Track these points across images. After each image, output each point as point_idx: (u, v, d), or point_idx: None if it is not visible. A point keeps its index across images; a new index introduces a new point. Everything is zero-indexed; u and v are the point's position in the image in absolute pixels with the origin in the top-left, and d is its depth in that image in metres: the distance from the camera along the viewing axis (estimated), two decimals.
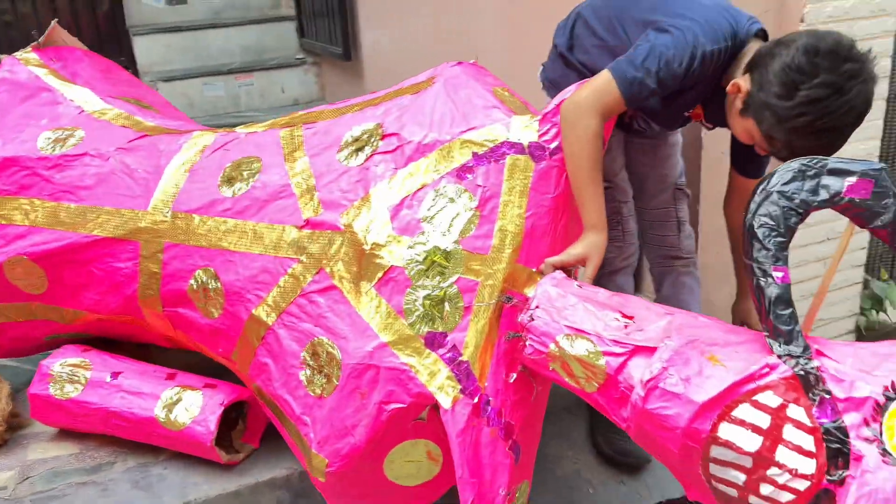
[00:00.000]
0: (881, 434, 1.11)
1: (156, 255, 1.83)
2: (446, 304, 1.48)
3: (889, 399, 1.13)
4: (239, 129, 1.95)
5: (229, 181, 1.79)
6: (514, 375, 1.52)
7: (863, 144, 2.27)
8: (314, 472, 1.55)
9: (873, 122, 2.27)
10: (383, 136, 1.63)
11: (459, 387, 1.45)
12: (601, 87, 1.50)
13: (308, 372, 1.57)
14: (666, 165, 1.88)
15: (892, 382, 1.14)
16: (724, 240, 1.87)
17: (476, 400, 1.46)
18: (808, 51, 1.34)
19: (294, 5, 5.04)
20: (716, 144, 2.13)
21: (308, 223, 1.63)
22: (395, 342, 1.48)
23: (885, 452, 1.10)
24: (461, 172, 1.54)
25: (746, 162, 1.71)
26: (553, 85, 1.82)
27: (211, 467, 1.87)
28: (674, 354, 1.24)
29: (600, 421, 2.03)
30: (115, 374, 1.93)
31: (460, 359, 1.47)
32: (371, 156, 1.63)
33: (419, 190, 1.55)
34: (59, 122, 2.08)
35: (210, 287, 1.75)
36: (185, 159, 1.91)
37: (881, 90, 2.28)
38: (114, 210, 1.90)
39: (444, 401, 1.43)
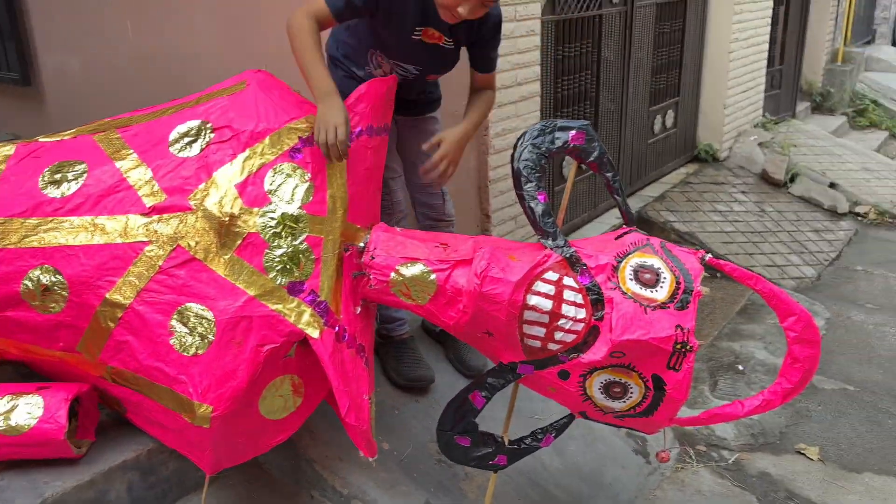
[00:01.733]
0: (618, 283, 1.81)
1: None
2: (300, 257, 1.85)
3: (618, 262, 1.84)
4: (41, 139, 2.03)
5: (54, 183, 1.90)
6: (359, 308, 1.95)
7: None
8: (198, 422, 1.78)
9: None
10: (215, 129, 1.92)
11: (322, 321, 1.84)
12: (309, 1, 2.01)
13: (179, 337, 1.79)
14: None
15: (617, 253, 1.86)
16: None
17: (336, 329, 1.86)
18: None
19: None
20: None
21: (154, 209, 1.85)
22: (261, 295, 1.81)
23: (623, 293, 1.80)
24: (292, 153, 1.92)
25: (478, 61, 2.28)
26: None
27: (55, 466, 1.93)
28: (490, 256, 1.81)
29: (389, 359, 2.52)
30: None
31: (319, 299, 1.86)
32: (208, 146, 1.91)
33: (259, 169, 1.89)
34: None
35: (49, 283, 1.84)
36: None
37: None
38: None
39: (314, 333, 1.81)
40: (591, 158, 1.96)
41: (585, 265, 1.84)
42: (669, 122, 5.24)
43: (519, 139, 1.92)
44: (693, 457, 2.78)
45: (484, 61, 2.30)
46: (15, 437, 1.86)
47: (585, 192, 4.27)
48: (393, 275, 1.88)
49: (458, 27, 2.15)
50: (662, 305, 1.78)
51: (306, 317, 1.82)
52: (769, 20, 5.95)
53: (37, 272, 1.85)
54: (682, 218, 4.72)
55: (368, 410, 1.93)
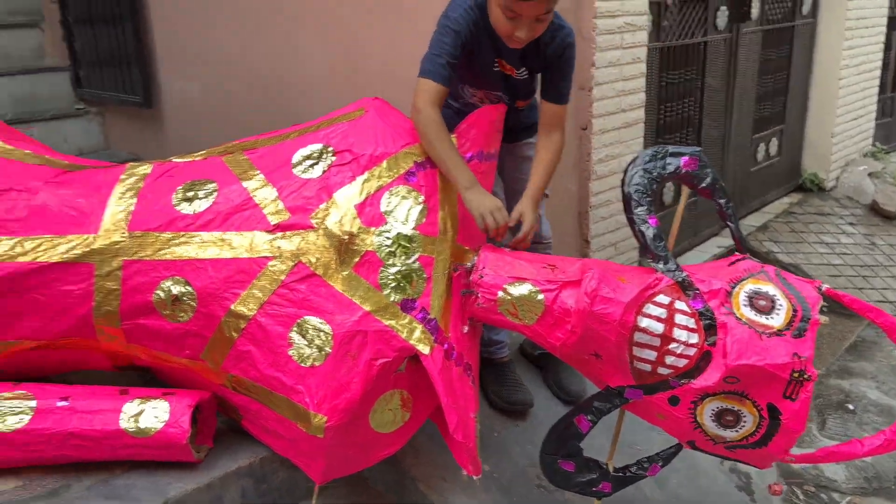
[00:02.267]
0: (732, 309, 1.79)
1: (114, 273, 1.99)
2: (413, 275, 1.92)
3: (732, 288, 1.82)
4: (174, 159, 2.19)
5: (187, 200, 2.04)
6: (467, 327, 2.00)
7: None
8: (313, 431, 1.86)
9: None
10: (336, 153, 2.03)
11: (433, 338, 1.89)
12: (418, 87, 2.05)
13: (298, 349, 1.88)
14: (525, 171, 2.46)
15: (730, 279, 1.83)
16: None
17: (446, 346, 1.91)
18: None
19: (68, 56, 4.96)
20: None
21: (278, 226, 1.96)
22: (376, 310, 1.88)
23: (737, 319, 1.78)
24: (407, 176, 2.01)
25: (547, 89, 2.24)
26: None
27: (176, 468, 2.04)
28: (600, 276, 1.84)
29: (489, 382, 2.55)
30: (64, 398, 2.02)
31: (429, 317, 1.92)
32: (329, 168, 2.01)
33: (377, 191, 1.98)
34: None
35: (179, 293, 1.97)
36: (127, 187, 2.10)
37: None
38: (59, 237, 2.02)
39: (424, 349, 1.86)
40: (704, 185, 1.95)
41: (698, 290, 1.83)
42: (773, 150, 5.10)
43: (629, 164, 1.94)
44: (801, 497, 2.68)
45: (551, 90, 2.24)
46: (142, 438, 1.98)
47: (686, 220, 4.20)
48: (501, 294, 1.92)
49: (528, 56, 2.18)
50: (778, 333, 1.75)
51: (417, 333, 1.88)
52: (882, 45, 5.73)
53: (168, 283, 1.98)
54: (785, 249, 4.58)
55: (475, 429, 1.96)
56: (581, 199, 3.14)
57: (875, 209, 5.28)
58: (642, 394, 1.87)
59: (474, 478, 1.94)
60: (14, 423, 1.97)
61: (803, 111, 5.33)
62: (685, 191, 2.03)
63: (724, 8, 4.15)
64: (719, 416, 1.82)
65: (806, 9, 5.04)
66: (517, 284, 1.91)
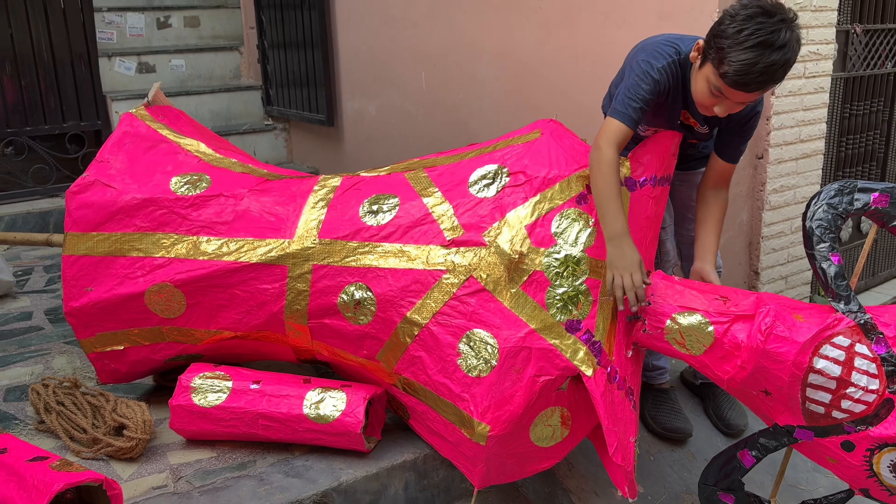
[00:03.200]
0: None
1: (304, 275, 2.21)
2: (580, 297, 1.98)
3: None
4: (362, 173, 2.39)
5: (372, 213, 2.22)
6: (631, 352, 2.03)
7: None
8: (476, 438, 1.96)
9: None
10: (511, 174, 2.13)
11: (596, 360, 1.94)
12: (605, 126, 2.07)
13: (465, 359, 1.99)
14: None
15: None
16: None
17: (609, 370, 1.95)
18: (740, 3, 1.90)
19: (261, 77, 5.47)
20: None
21: (453, 242, 2.09)
22: (541, 329, 1.96)
23: None
24: (579, 199, 2.07)
25: (724, 147, 2.23)
26: None
27: (348, 455, 2.22)
28: (775, 313, 1.81)
29: (647, 407, 2.56)
30: (256, 382, 2.25)
31: (594, 339, 1.97)
32: (503, 188, 2.12)
33: (548, 213, 2.05)
34: (183, 168, 2.43)
35: (361, 298, 2.15)
36: (319, 198, 2.32)
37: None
38: (258, 240, 2.27)
39: (587, 371, 1.92)
40: (894, 223, 1.88)
41: (882, 334, 1.76)
42: None
43: (813, 198, 1.89)
44: None
45: (727, 150, 2.24)
46: (321, 424, 2.17)
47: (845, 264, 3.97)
48: (669, 322, 1.94)
49: (713, 117, 2.15)
50: None
51: (581, 354, 1.93)
52: None
53: (352, 288, 2.16)
54: None
55: (633, 453, 1.99)
56: (753, 229, 3.07)
57: None
58: (813, 436, 1.83)
59: (629, 500, 1.96)
60: (214, 399, 2.23)
61: None
62: (874, 228, 1.95)
63: None
64: None
65: None
66: (686, 314, 1.92)
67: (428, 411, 2.13)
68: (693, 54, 2.02)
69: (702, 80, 1.97)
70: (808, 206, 1.89)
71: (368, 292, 2.14)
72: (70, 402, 2.37)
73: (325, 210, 2.28)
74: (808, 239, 1.87)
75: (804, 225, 1.88)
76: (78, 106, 4.91)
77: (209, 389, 2.24)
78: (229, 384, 2.25)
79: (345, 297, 2.17)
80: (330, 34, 4.67)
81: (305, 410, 2.18)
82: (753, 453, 1.92)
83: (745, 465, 1.93)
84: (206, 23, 5.82)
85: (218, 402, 2.22)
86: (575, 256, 2.00)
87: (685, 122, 2.24)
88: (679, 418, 2.50)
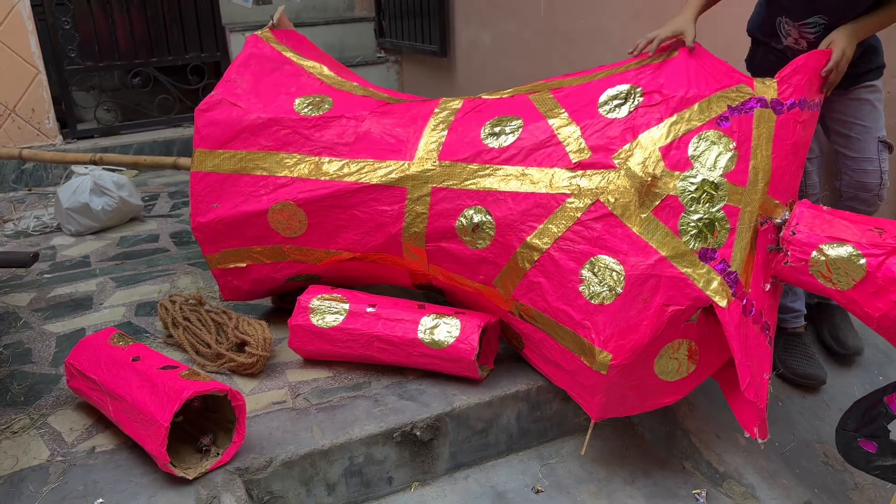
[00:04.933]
0: None
1: (423, 198, 2.17)
2: (716, 224, 1.85)
3: None
4: (483, 96, 2.30)
5: (494, 135, 2.14)
6: (769, 285, 1.89)
7: None
8: (596, 367, 1.89)
9: None
10: (644, 93, 1.99)
11: (731, 291, 1.81)
12: None
13: (588, 285, 1.91)
14: (867, 118, 2.20)
15: None
16: None
17: (745, 302, 1.82)
18: None
19: (374, 7, 5.41)
20: None
21: (580, 164, 1.98)
22: (672, 256, 1.84)
23: None
24: (719, 121, 1.91)
25: None
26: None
27: (461, 382, 2.20)
28: None
29: (778, 350, 2.40)
30: (372, 305, 2.25)
31: (729, 269, 1.83)
32: (636, 108, 1.98)
33: (685, 135, 1.91)
34: (307, 90, 2.42)
35: (479, 222, 2.09)
36: (440, 120, 2.26)
37: None
38: (379, 161, 2.23)
39: (721, 301, 1.79)
40: None
41: None
42: None
43: None
44: None
45: None
46: (435, 350, 2.15)
47: None
48: (815, 253, 1.79)
49: None
50: None
51: (715, 284, 1.81)
52: None
53: (471, 211, 2.10)
54: None
55: (767, 391, 1.87)
56: None
57: None
58: None
59: (759, 441, 1.85)
60: (331, 320, 2.24)
61: None
62: None
63: None
64: None
65: None
66: (835, 245, 1.77)
67: (545, 339, 2.07)
68: None
69: None
70: None
71: (488, 216, 2.08)
72: (195, 318, 2.45)
73: (446, 132, 2.22)
74: None
75: None
76: (199, 38, 5.03)
77: (327, 311, 2.26)
78: (346, 306, 2.26)
79: (463, 220, 2.12)
80: None
81: (420, 335, 2.17)
82: None
83: (894, 412, 1.77)
84: None
85: (335, 324, 2.24)
86: (713, 181, 1.87)
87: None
88: (812, 364, 2.33)
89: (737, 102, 1.94)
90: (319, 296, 2.29)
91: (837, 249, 1.77)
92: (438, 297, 2.49)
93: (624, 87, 2.04)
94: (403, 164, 2.21)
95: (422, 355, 2.18)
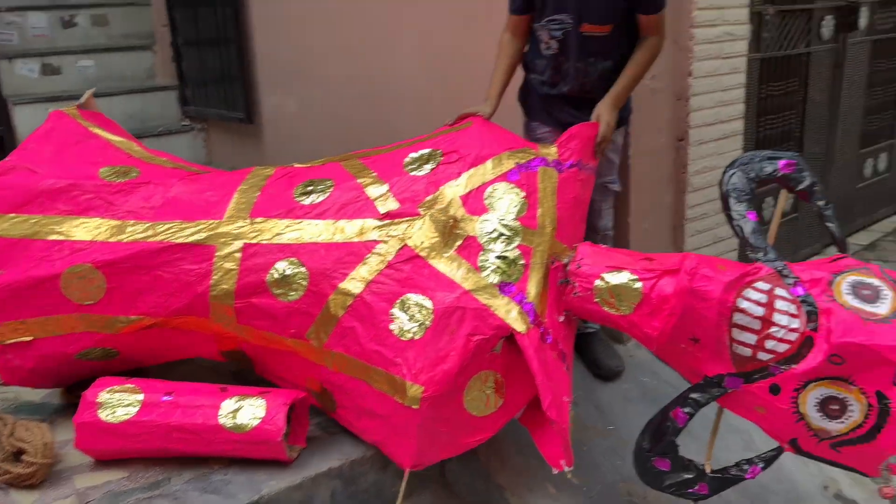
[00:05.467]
0: (834, 297, 1.76)
1: (233, 254, 2.14)
2: (512, 261, 2.00)
3: (834, 277, 1.80)
4: (295, 165, 2.35)
5: (305, 194, 2.20)
6: (563, 317, 2.04)
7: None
8: (408, 402, 1.90)
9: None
10: (444, 154, 2.17)
11: (529, 319, 1.94)
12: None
13: (399, 323, 1.96)
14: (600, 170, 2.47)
15: (832, 271, 1.82)
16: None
17: (542, 330, 1.95)
18: None
19: (177, 75, 5.25)
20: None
21: (388, 214, 2.09)
22: (475, 290, 1.96)
23: (840, 305, 1.75)
24: (509, 175, 2.12)
25: (640, 5, 2.30)
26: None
27: (270, 466, 2.10)
28: (699, 259, 1.86)
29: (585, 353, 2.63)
30: (168, 393, 2.11)
31: (526, 301, 1.97)
32: (438, 166, 2.16)
33: (481, 186, 2.10)
34: (113, 161, 2.35)
35: (292, 273, 2.08)
36: (251, 184, 2.29)
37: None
38: (187, 222, 2.18)
39: (521, 328, 1.91)
40: (802, 187, 1.95)
41: (798, 278, 1.81)
42: (882, 165, 4.85)
43: (728, 167, 1.97)
44: None
45: (642, 5, 2.29)
46: (239, 434, 2.05)
47: (785, 237, 4.04)
48: (598, 282, 1.95)
49: None
50: (885, 320, 1.71)
51: (514, 314, 1.94)
52: None
53: (283, 264, 2.10)
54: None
55: (568, 412, 1.98)
56: (676, 211, 3.07)
57: None
58: (742, 382, 1.84)
59: (567, 470, 1.91)
60: (123, 414, 2.08)
61: None
62: (783, 194, 2.02)
63: (829, 18, 3.99)
64: (824, 405, 1.77)
65: None
66: (615, 273, 1.94)
67: (358, 386, 2.05)
68: None
69: None
70: (723, 174, 1.97)
71: (300, 267, 2.09)
72: None
73: (258, 193, 2.24)
74: (725, 201, 1.95)
75: (720, 190, 1.97)
76: None
77: (118, 404, 2.09)
78: (140, 397, 2.10)
79: (275, 273, 2.10)
80: (246, 29, 4.50)
81: (222, 420, 2.06)
82: (686, 410, 1.92)
83: (679, 424, 1.93)
84: (115, 21, 5.53)
85: (128, 417, 2.08)
86: (507, 224, 2.04)
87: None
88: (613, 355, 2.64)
89: (524, 161, 2.15)
90: (109, 388, 2.12)
91: (617, 276, 1.95)
92: (248, 376, 2.39)
93: (426, 151, 2.21)
94: (212, 223, 2.18)
95: (226, 441, 2.06)
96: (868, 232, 4.77)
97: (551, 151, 2.21)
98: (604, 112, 2.30)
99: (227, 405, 2.09)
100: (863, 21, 4.25)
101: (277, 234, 2.12)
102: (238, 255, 2.13)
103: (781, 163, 1.95)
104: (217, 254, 2.13)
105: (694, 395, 1.92)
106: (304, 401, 2.19)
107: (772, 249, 1.88)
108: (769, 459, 1.93)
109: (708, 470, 1.97)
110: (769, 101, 3.69)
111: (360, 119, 3.83)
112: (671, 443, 1.94)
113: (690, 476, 1.96)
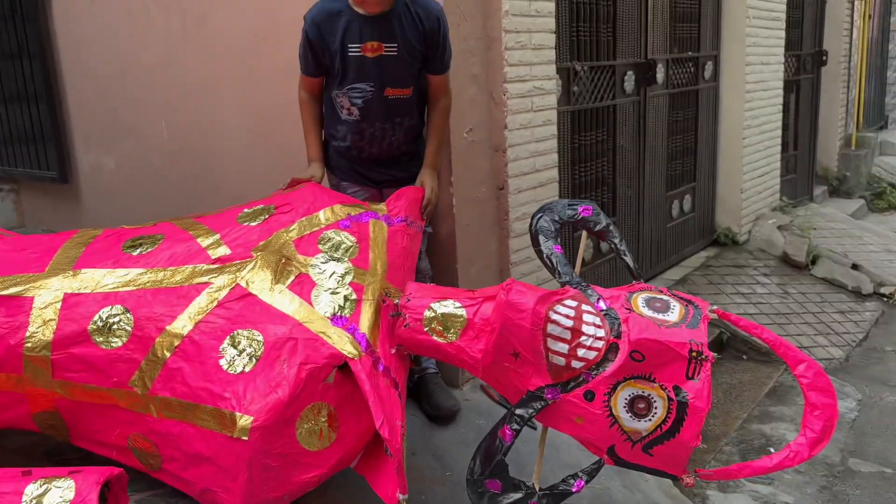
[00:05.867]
0: (632, 308, 2.06)
1: (53, 304, 2.10)
2: (344, 297, 2.13)
3: (630, 294, 2.11)
4: (125, 227, 2.39)
5: (133, 247, 2.23)
6: (395, 350, 2.18)
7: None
8: (237, 433, 1.90)
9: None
10: (277, 207, 2.34)
11: (362, 347, 2.06)
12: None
13: (228, 358, 1.99)
14: None
15: (628, 290, 2.13)
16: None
17: (374, 358, 2.08)
18: None
19: None
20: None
21: (219, 259, 2.17)
22: (307, 321, 2.05)
23: (638, 314, 2.03)
24: (341, 223, 2.31)
25: (429, 65, 2.58)
26: None
27: None
28: (512, 281, 2.10)
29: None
30: None
31: (359, 332, 2.10)
32: (271, 216, 2.30)
33: (313, 232, 2.26)
34: None
35: (116, 319, 2.07)
36: (77, 242, 2.29)
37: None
38: (3, 277, 2.14)
39: (353, 355, 2.01)
40: (598, 228, 2.31)
41: (601, 295, 2.12)
42: (687, 206, 5.37)
43: (535, 213, 2.31)
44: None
45: (430, 62, 2.59)
46: None
47: (607, 275, 4.33)
48: (427, 312, 2.13)
49: (395, 32, 2.49)
50: (675, 325, 2.02)
51: (347, 343, 2.03)
52: (780, 108, 6.19)
53: (107, 310, 2.10)
54: (704, 300, 4.73)
55: (401, 434, 2.05)
56: (501, 257, 3.24)
57: (786, 260, 5.59)
58: (560, 392, 2.03)
59: (401, 499, 1.94)
60: None
61: (713, 169, 5.68)
62: (584, 235, 2.39)
63: (630, 73, 4.40)
64: (632, 404, 1.99)
65: (708, 73, 5.44)
66: (442, 302, 2.15)
67: (185, 430, 2.01)
68: None
69: None
70: (532, 218, 2.31)
71: (126, 313, 2.09)
72: None
73: (84, 248, 2.26)
74: (535, 239, 2.27)
75: (530, 231, 2.29)
76: None
77: None
78: None
79: (98, 321, 2.09)
80: (57, 83, 4.32)
81: None
82: (512, 427, 2.07)
83: (507, 442, 2.09)
84: None
85: None
86: (339, 262, 2.19)
87: (371, 54, 2.50)
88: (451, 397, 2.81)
89: (355, 213, 2.38)
90: None
91: (443, 304, 2.15)
92: (63, 451, 2.20)
93: (260, 206, 2.38)
94: (31, 276, 2.16)
95: None
96: (680, 268, 5.24)
97: (381, 207, 2.43)
98: (427, 179, 2.63)
99: (31, 490, 1.90)
100: (660, 76, 4.73)
101: (102, 284, 2.13)
102: (58, 304, 2.10)
103: (580, 208, 2.32)
104: (34, 305, 2.10)
105: (518, 412, 2.08)
106: (122, 476, 2.04)
107: (577, 276, 2.18)
108: (591, 472, 2.13)
109: (537, 488, 2.12)
110: (582, 150, 4.02)
111: (183, 175, 3.76)
112: (501, 462, 2.08)
113: (520, 496, 2.10)
